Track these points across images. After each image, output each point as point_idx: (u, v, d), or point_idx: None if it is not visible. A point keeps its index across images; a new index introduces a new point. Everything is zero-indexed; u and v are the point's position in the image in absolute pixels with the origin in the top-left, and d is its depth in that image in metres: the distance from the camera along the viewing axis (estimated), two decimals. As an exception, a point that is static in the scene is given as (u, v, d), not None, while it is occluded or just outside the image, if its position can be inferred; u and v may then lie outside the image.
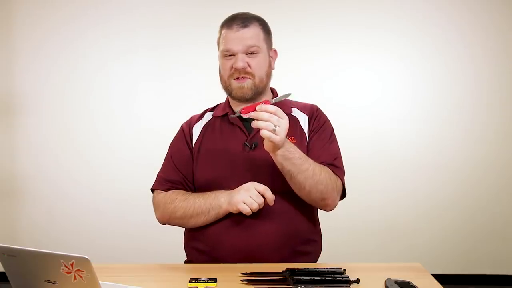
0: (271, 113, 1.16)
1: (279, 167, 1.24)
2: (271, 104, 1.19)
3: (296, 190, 1.29)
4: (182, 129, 1.47)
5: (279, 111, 1.17)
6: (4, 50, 3.11)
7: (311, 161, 1.26)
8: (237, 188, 1.26)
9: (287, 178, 1.26)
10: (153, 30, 3.07)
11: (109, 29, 3.08)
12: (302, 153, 1.25)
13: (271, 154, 1.22)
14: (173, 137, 1.49)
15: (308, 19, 3.02)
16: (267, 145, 1.20)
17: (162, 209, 1.37)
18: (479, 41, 3.00)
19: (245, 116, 1.30)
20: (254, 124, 1.17)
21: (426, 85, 3.03)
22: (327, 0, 3.03)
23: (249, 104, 1.24)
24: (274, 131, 1.15)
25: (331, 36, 3.03)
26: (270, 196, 1.24)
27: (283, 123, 1.16)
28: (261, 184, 1.24)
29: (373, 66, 3.04)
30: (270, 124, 1.15)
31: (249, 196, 1.22)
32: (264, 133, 1.15)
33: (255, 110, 1.17)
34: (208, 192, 1.31)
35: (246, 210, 1.22)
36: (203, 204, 1.30)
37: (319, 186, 1.26)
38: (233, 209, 1.25)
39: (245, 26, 1.33)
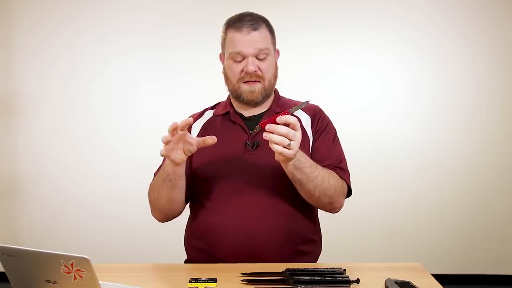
0: (290, 124, 1.11)
1: (289, 175, 1.23)
2: (289, 114, 1.13)
3: (305, 197, 1.29)
4: None
5: (297, 123, 1.13)
6: (4, 50, 3.11)
7: (319, 167, 1.26)
8: None
9: (297, 186, 1.26)
10: (153, 30, 3.07)
11: (109, 29, 3.08)
12: (311, 161, 1.24)
13: (281, 164, 1.19)
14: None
15: (308, 19, 3.02)
16: (278, 158, 1.16)
17: (149, 202, 1.37)
18: (479, 41, 3.00)
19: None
20: (266, 136, 1.11)
21: (426, 85, 3.03)
22: (327, 0, 3.03)
23: (263, 119, 1.19)
24: (288, 146, 1.11)
25: (331, 36, 3.03)
26: (178, 124, 1.14)
27: (298, 136, 1.13)
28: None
29: (373, 66, 3.04)
30: (285, 139, 1.10)
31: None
32: (276, 148, 1.11)
33: (275, 122, 1.11)
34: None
35: (163, 152, 1.16)
36: (157, 180, 1.31)
37: (328, 192, 1.26)
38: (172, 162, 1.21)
39: (255, 28, 1.31)
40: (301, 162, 1.20)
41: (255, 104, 1.37)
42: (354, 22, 3.02)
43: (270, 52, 1.34)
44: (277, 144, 1.11)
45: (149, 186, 1.40)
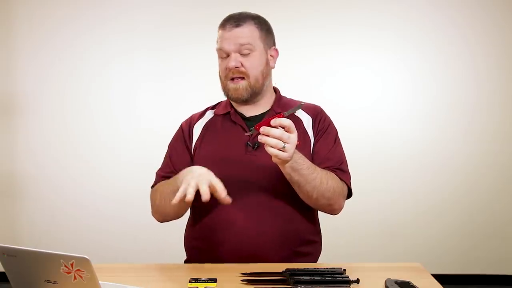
0: (285, 126, 1.11)
1: (287, 177, 1.22)
2: (284, 117, 1.12)
3: (303, 198, 1.28)
4: (181, 129, 1.46)
5: (292, 126, 1.12)
6: (4, 50, 3.11)
7: (318, 169, 1.25)
8: (195, 168, 1.20)
9: (295, 188, 1.25)
10: (153, 30, 3.07)
11: (109, 29, 3.08)
12: (310, 163, 1.24)
13: (279, 166, 1.19)
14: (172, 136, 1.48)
15: (308, 19, 3.02)
16: (275, 160, 1.16)
17: (151, 203, 1.38)
18: (479, 41, 3.00)
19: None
20: (261, 139, 1.11)
21: (426, 85, 3.03)
22: (327, 0, 3.03)
23: (263, 120, 1.17)
24: (283, 148, 1.10)
25: (331, 36, 3.03)
26: (220, 189, 1.15)
27: (293, 138, 1.12)
28: (216, 178, 1.16)
29: (373, 66, 3.04)
30: (280, 142, 1.09)
31: (196, 182, 1.14)
32: (271, 151, 1.11)
33: (270, 124, 1.11)
34: (177, 175, 1.26)
35: (179, 196, 1.14)
36: (166, 188, 1.28)
37: (326, 194, 1.26)
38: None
39: (238, 25, 1.31)
40: (298, 164, 1.19)
41: (242, 102, 1.36)
42: (354, 22, 3.02)
43: (254, 48, 1.32)
44: (272, 147, 1.10)
45: (152, 188, 1.39)
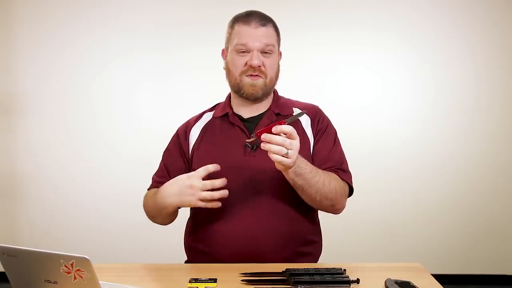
0: (287, 133, 1.11)
1: (290, 182, 1.23)
2: (286, 124, 1.13)
3: (307, 201, 1.29)
4: (177, 134, 1.46)
5: (294, 132, 1.13)
6: (4, 50, 3.11)
7: (320, 172, 1.26)
8: (178, 186, 1.24)
9: (298, 191, 1.26)
10: (153, 30, 3.07)
11: (109, 29, 3.08)
12: (312, 166, 1.24)
13: (282, 172, 1.19)
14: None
15: (308, 19, 3.02)
16: (278, 167, 1.16)
17: (143, 204, 1.44)
18: (479, 41, 3.00)
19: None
20: (264, 146, 1.12)
21: (426, 85, 3.03)
22: (327, 0, 3.03)
23: (263, 127, 1.19)
24: (286, 154, 1.11)
25: (331, 36, 3.03)
26: (218, 184, 1.21)
27: (295, 144, 1.12)
28: (199, 174, 1.22)
29: (373, 66, 3.04)
30: (283, 148, 1.10)
31: (192, 194, 1.21)
32: (275, 157, 1.11)
33: (271, 131, 1.12)
34: (159, 189, 1.31)
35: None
36: (153, 203, 1.34)
37: (329, 195, 1.27)
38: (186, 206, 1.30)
39: (263, 24, 1.33)
40: (301, 168, 1.20)
41: (255, 99, 1.36)
42: (354, 22, 3.02)
43: (275, 50, 1.35)
44: (275, 153, 1.11)
45: (144, 198, 1.43)
